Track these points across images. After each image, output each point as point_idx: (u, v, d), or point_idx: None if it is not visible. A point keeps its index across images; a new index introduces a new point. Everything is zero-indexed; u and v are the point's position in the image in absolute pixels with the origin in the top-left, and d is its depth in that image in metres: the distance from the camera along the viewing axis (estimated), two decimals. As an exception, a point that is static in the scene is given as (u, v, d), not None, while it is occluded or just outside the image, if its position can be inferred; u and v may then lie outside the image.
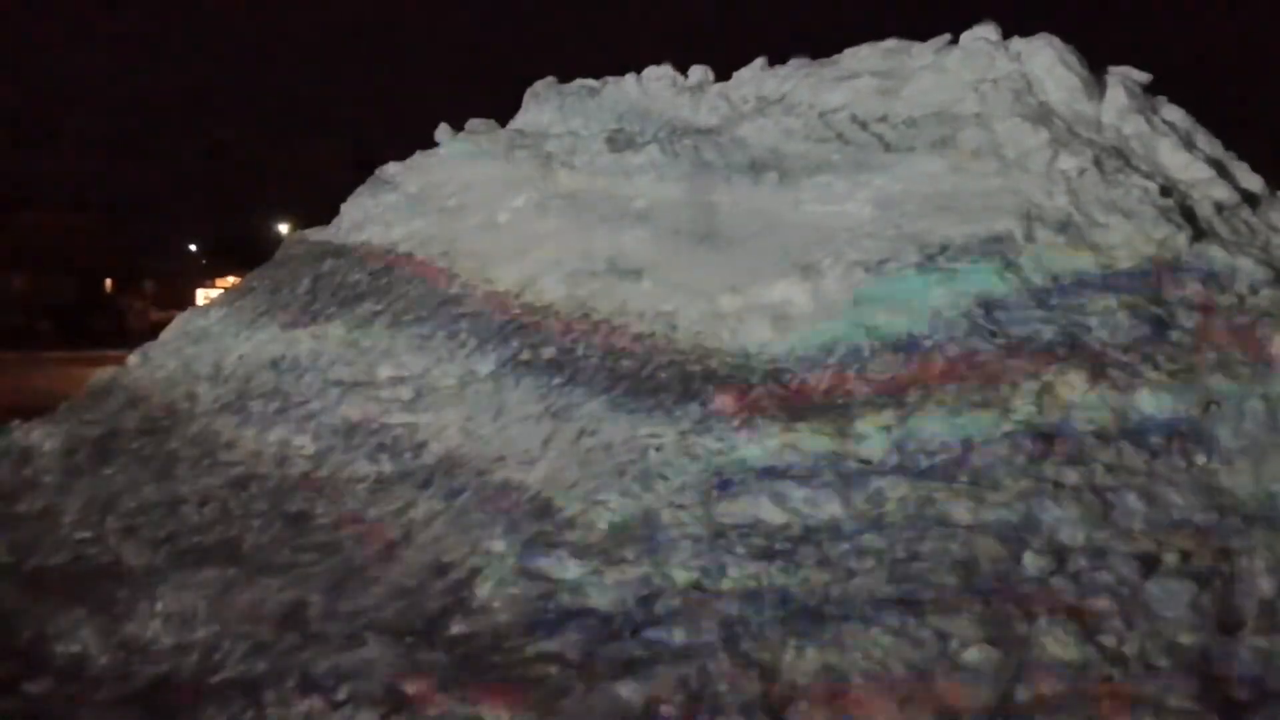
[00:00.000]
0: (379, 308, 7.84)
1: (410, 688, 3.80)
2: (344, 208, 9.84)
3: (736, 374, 5.69)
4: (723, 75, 8.85)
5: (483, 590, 4.37)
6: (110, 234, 42.19)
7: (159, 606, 4.54)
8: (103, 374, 8.66)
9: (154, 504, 5.73)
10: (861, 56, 7.90)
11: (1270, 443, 4.50)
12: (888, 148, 6.88)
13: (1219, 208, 6.29)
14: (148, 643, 4.34)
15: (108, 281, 40.55)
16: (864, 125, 7.16)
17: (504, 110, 9.86)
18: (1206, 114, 7.26)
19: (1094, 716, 3.34)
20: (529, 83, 9.74)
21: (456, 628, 4.16)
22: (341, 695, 3.80)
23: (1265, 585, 3.86)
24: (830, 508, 4.55)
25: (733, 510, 4.68)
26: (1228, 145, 7.12)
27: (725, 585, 4.17)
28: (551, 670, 3.80)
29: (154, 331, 9.57)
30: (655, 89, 8.91)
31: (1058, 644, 3.60)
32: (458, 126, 9.79)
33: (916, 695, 3.50)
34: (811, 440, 4.97)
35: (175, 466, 6.28)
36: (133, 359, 8.82)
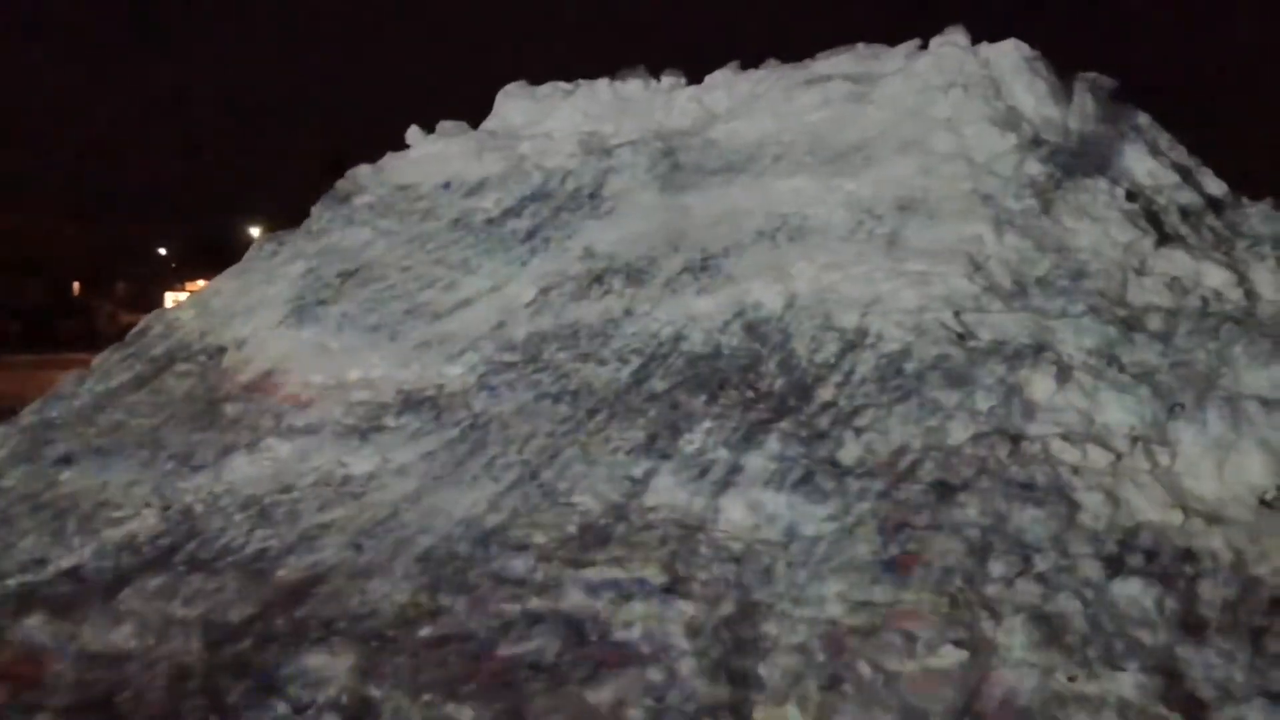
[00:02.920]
0: (349, 310, 7.78)
1: (376, 692, 3.77)
2: (315, 210, 9.76)
3: (708, 375, 5.69)
4: (695, 79, 8.87)
5: (450, 593, 4.35)
6: (80, 236, 41.73)
7: (120, 611, 4.47)
8: (69, 377, 8.53)
9: (116, 507, 5.65)
10: (833, 61, 7.96)
11: (1233, 444, 4.55)
12: (858, 151, 6.92)
13: (1184, 212, 6.37)
14: (108, 648, 4.27)
15: (76, 284, 40.08)
16: (835, 129, 7.20)
17: (476, 112, 9.82)
18: (1173, 119, 7.37)
19: (1059, 717, 3.36)
20: (501, 84, 9.72)
21: (423, 631, 4.13)
22: (306, 700, 3.77)
23: (1228, 586, 3.90)
24: (800, 509, 4.56)
25: (702, 512, 4.67)
26: (1193, 151, 7.22)
27: (694, 588, 4.16)
28: (518, 674, 3.78)
29: (123, 334, 9.43)
30: (628, 92, 8.91)
31: (1023, 645, 3.62)
32: (429, 128, 9.75)
33: (884, 698, 3.51)
34: (782, 442, 4.98)
35: (139, 470, 6.19)
36: (98, 361, 8.70)
